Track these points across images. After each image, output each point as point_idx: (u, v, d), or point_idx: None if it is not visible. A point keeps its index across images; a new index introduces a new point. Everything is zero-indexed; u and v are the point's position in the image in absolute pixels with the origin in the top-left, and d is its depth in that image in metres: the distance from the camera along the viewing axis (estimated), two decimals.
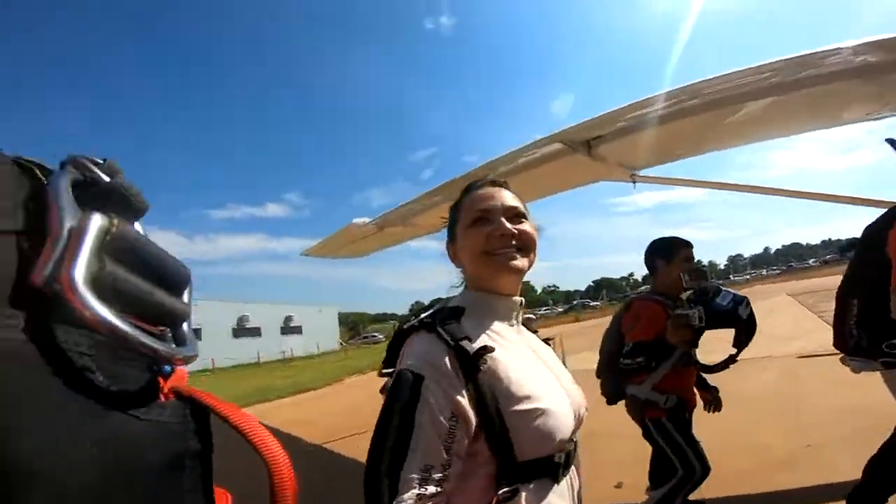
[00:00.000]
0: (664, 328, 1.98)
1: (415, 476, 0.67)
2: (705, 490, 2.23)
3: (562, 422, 0.77)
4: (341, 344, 27.63)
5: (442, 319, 0.79)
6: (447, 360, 0.73)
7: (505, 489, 0.71)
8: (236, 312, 22.88)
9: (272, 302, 24.56)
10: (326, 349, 25.53)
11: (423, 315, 0.85)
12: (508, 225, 0.85)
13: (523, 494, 0.73)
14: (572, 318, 28.94)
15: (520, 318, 0.94)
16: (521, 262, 0.85)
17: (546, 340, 1.07)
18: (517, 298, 0.91)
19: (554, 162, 2.99)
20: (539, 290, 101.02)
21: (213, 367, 20.43)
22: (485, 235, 0.85)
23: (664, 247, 2.24)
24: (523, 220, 0.89)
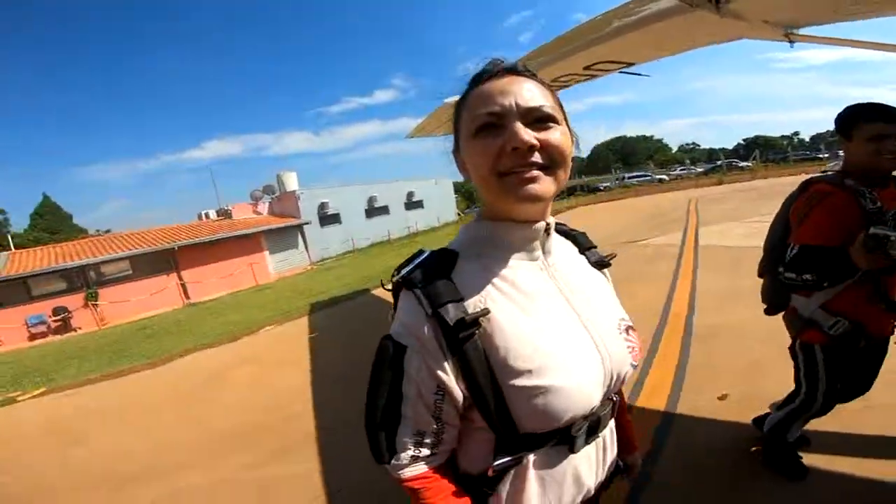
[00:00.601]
0: (849, 230, 1.42)
1: (408, 440, 0.68)
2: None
3: (576, 398, 0.66)
4: (458, 215, 28.59)
5: (426, 275, 0.67)
6: (426, 329, 0.65)
7: (502, 460, 0.68)
8: (366, 194, 24.34)
9: (394, 179, 25.74)
10: (446, 220, 26.74)
11: (407, 266, 0.71)
12: (526, 135, 0.63)
13: (531, 459, 0.70)
14: (715, 180, 25.63)
15: (548, 247, 0.76)
16: (544, 185, 0.65)
17: (605, 261, 0.88)
18: (541, 224, 0.72)
19: (674, 19, 2.41)
20: (675, 149, 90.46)
21: (354, 247, 22.69)
22: (494, 150, 0.64)
23: (845, 116, 1.57)
24: (551, 124, 0.66)
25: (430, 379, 0.66)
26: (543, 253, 0.76)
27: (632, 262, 7.30)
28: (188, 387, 5.35)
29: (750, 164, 34.01)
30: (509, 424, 0.67)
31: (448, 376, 0.66)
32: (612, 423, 0.80)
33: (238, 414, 4.15)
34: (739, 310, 4.30)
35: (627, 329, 0.78)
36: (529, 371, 0.65)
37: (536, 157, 0.65)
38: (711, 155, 62.42)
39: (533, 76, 0.70)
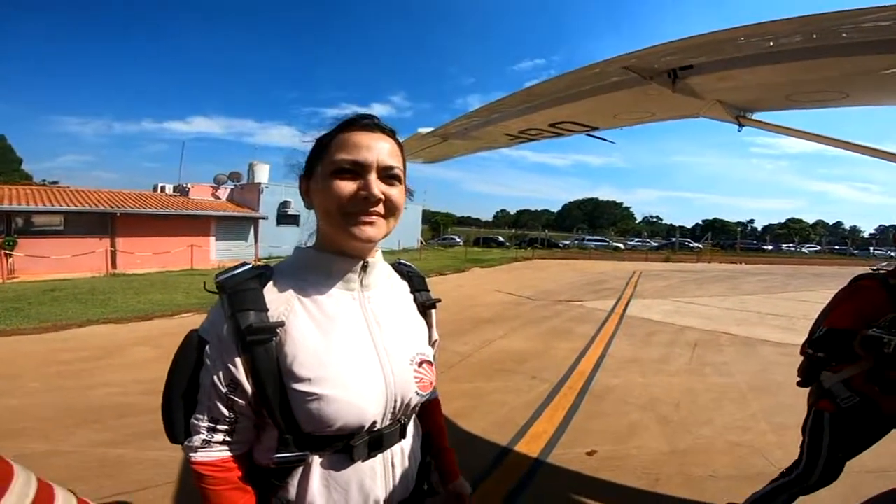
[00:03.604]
0: (873, 319, 1.63)
1: (202, 424, 0.74)
2: None
3: (346, 410, 0.73)
4: (421, 243, 28.61)
5: (236, 284, 0.75)
6: (225, 328, 0.73)
7: (285, 454, 0.73)
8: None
9: None
10: (407, 246, 26.63)
11: (226, 275, 0.77)
12: (378, 188, 0.75)
13: (316, 460, 0.75)
14: (664, 256, 27.03)
15: (366, 281, 0.84)
16: (379, 230, 0.77)
17: (428, 303, 0.98)
18: (360, 262, 0.82)
19: (628, 91, 2.42)
20: (639, 219, 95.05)
21: None
22: (348, 192, 0.75)
23: None
24: (396, 182, 0.79)
25: (225, 372, 0.73)
26: (361, 286, 0.84)
27: (562, 319, 7.67)
28: (70, 358, 4.97)
29: (700, 245, 36.28)
30: (292, 423, 0.73)
31: (239, 371, 0.72)
32: (404, 444, 0.85)
33: (113, 393, 3.90)
34: (633, 375, 4.65)
35: (421, 363, 0.86)
36: (309, 379, 0.72)
37: (378, 207, 0.76)
38: (670, 231, 66.02)
39: (393, 135, 0.82)
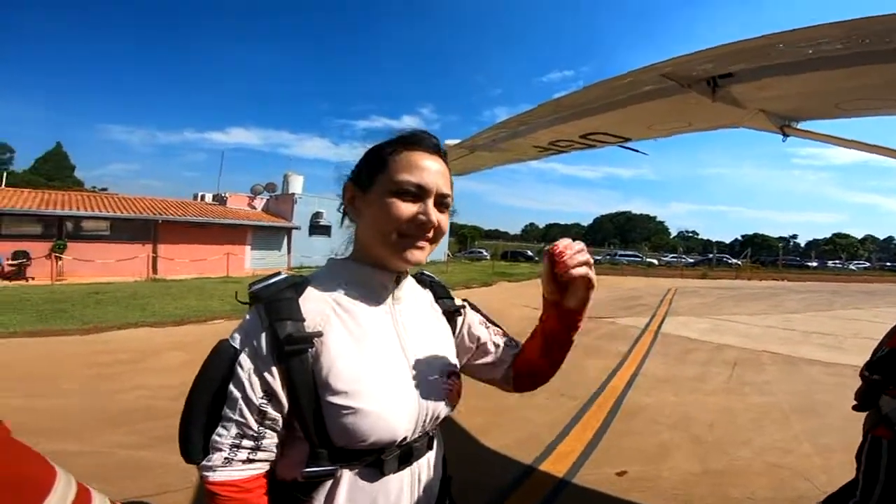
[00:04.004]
0: None
1: (225, 441, 0.70)
2: None
3: (381, 424, 0.72)
4: (448, 256, 28.59)
5: (272, 294, 0.74)
6: (262, 337, 0.72)
7: (315, 468, 0.71)
8: None
9: None
10: (434, 259, 26.72)
11: (260, 284, 0.78)
12: (435, 216, 0.77)
13: (345, 474, 0.73)
14: (700, 272, 26.08)
15: (398, 294, 0.85)
16: (425, 254, 0.80)
17: (455, 310, 0.97)
18: (394, 275, 0.83)
19: (664, 100, 2.28)
20: (674, 233, 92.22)
21: None
22: (407, 215, 0.76)
23: None
24: (446, 210, 0.82)
25: (261, 382, 0.71)
26: (393, 299, 0.84)
27: (593, 336, 7.42)
28: (108, 360, 5.18)
29: (739, 262, 34.77)
30: (324, 437, 0.71)
31: (276, 381, 0.71)
32: (430, 456, 0.84)
33: (143, 396, 4.03)
34: (666, 394, 4.45)
35: (450, 374, 0.85)
36: (345, 392, 0.71)
37: (430, 233, 0.78)
38: (706, 246, 63.73)
39: (446, 158, 0.83)
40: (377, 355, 0.77)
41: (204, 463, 0.71)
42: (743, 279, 23.04)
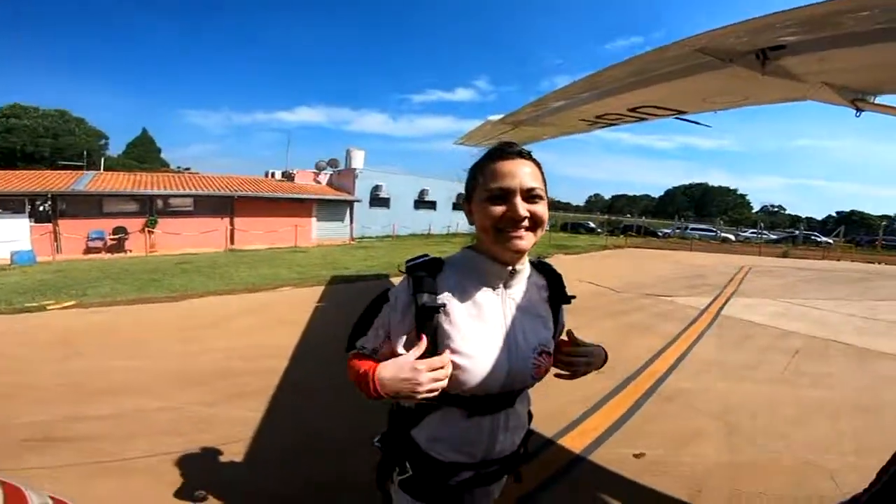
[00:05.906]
0: None
1: (359, 344, 1.05)
2: None
3: (475, 380, 0.94)
4: None
5: (418, 270, 0.98)
6: (406, 299, 0.98)
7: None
8: (418, 186, 24.98)
9: (448, 178, 26.01)
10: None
11: (413, 261, 1.02)
12: (523, 209, 0.93)
13: (444, 410, 0.99)
14: (781, 250, 23.90)
15: (510, 283, 1.03)
16: (526, 242, 0.96)
17: (563, 299, 1.14)
18: (508, 268, 1.01)
19: (710, 74, 2.28)
20: (757, 208, 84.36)
21: (394, 233, 23.55)
22: (499, 214, 0.94)
23: None
24: (538, 200, 0.96)
25: (385, 325, 1.01)
26: (505, 287, 1.03)
27: (645, 314, 7.24)
28: (190, 325, 5.86)
29: (830, 240, 31.25)
30: None
31: (397, 331, 0.99)
32: (510, 411, 1.05)
33: (218, 358, 4.52)
34: (711, 380, 4.27)
35: (542, 353, 1.04)
36: (458, 352, 0.95)
37: (525, 223, 0.94)
38: (793, 222, 57.88)
39: (531, 157, 1.00)
40: (484, 329, 0.98)
41: (351, 352, 1.05)
42: (831, 259, 20.91)
